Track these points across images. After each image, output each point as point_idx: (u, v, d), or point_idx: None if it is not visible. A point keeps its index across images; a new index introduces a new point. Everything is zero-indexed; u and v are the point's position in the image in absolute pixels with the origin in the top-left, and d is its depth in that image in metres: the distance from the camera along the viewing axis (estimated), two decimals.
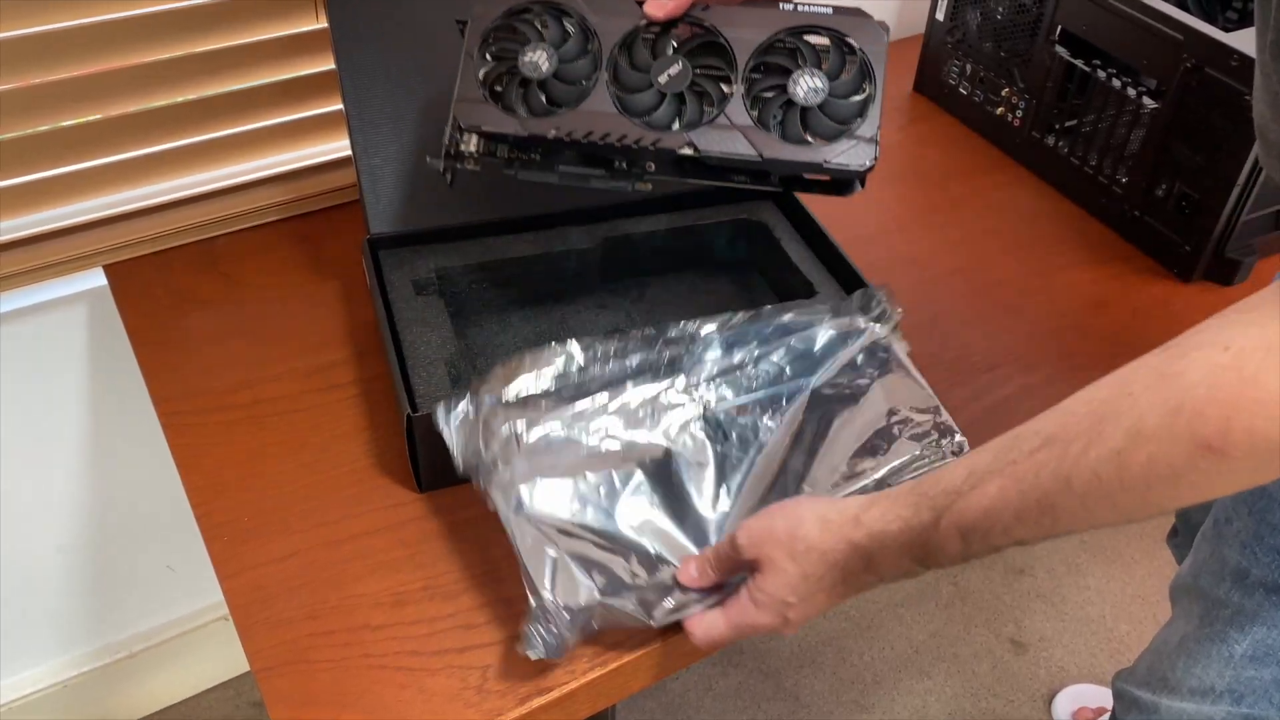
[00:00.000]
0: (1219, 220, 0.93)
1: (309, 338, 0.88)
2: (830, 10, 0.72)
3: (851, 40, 0.71)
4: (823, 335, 0.75)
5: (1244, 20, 1.15)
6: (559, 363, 0.72)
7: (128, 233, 0.94)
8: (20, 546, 1.11)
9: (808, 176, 0.74)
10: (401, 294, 0.83)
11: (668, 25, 0.71)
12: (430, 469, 0.74)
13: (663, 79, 0.70)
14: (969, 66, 1.16)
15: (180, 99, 0.92)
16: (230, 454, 0.78)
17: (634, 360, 0.72)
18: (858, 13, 0.72)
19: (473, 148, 0.73)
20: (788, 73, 0.70)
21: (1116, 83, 0.99)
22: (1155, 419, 0.48)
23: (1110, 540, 1.65)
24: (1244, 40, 0.88)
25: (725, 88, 0.71)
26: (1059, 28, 1.04)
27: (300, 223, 1.00)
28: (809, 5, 0.72)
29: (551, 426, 0.69)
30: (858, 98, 0.71)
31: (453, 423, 0.68)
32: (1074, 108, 1.05)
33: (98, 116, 0.90)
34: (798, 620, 0.61)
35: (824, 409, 0.72)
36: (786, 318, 0.76)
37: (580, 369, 0.72)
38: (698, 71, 0.71)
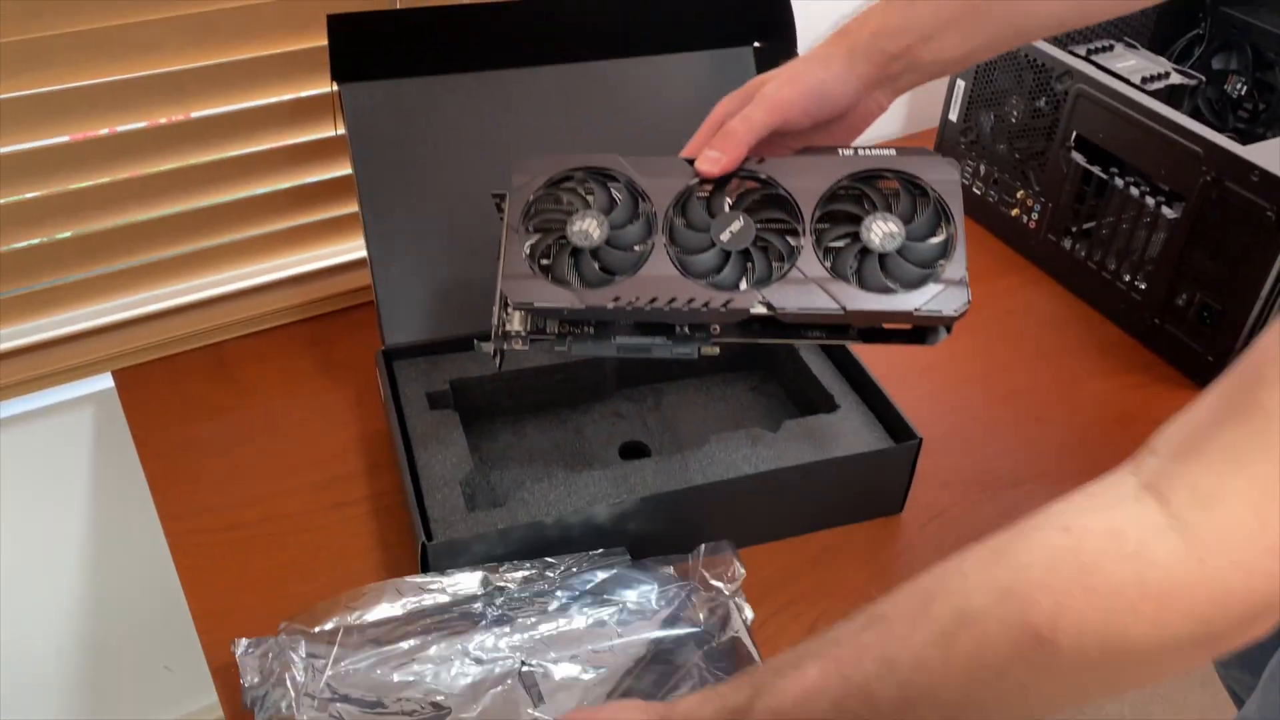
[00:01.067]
0: (1242, 332, 0.92)
1: (320, 449, 0.86)
2: (893, 152, 0.67)
3: (921, 181, 0.66)
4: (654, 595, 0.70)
5: (1254, 122, 1.16)
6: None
7: (136, 338, 0.93)
8: (20, 648, 1.08)
9: (889, 326, 0.68)
10: (415, 407, 0.82)
11: (722, 181, 0.67)
12: None
13: (725, 236, 0.65)
14: (983, 167, 1.16)
15: (191, 206, 0.91)
16: (238, 578, 0.76)
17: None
18: (922, 152, 0.67)
19: (517, 326, 0.69)
20: (857, 220, 0.65)
21: (1134, 191, 0.99)
22: (983, 599, 0.43)
23: None
24: (1264, 154, 0.88)
25: (792, 240, 0.66)
26: (1074, 133, 1.04)
27: (311, 326, 0.99)
28: (870, 149, 0.68)
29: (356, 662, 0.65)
30: (937, 239, 0.65)
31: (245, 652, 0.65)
32: (1091, 210, 1.05)
33: (110, 224, 0.89)
34: None
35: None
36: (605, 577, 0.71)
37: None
38: (760, 226, 0.66)
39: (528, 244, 0.68)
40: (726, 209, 0.67)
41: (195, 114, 0.87)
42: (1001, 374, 0.98)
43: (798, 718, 0.48)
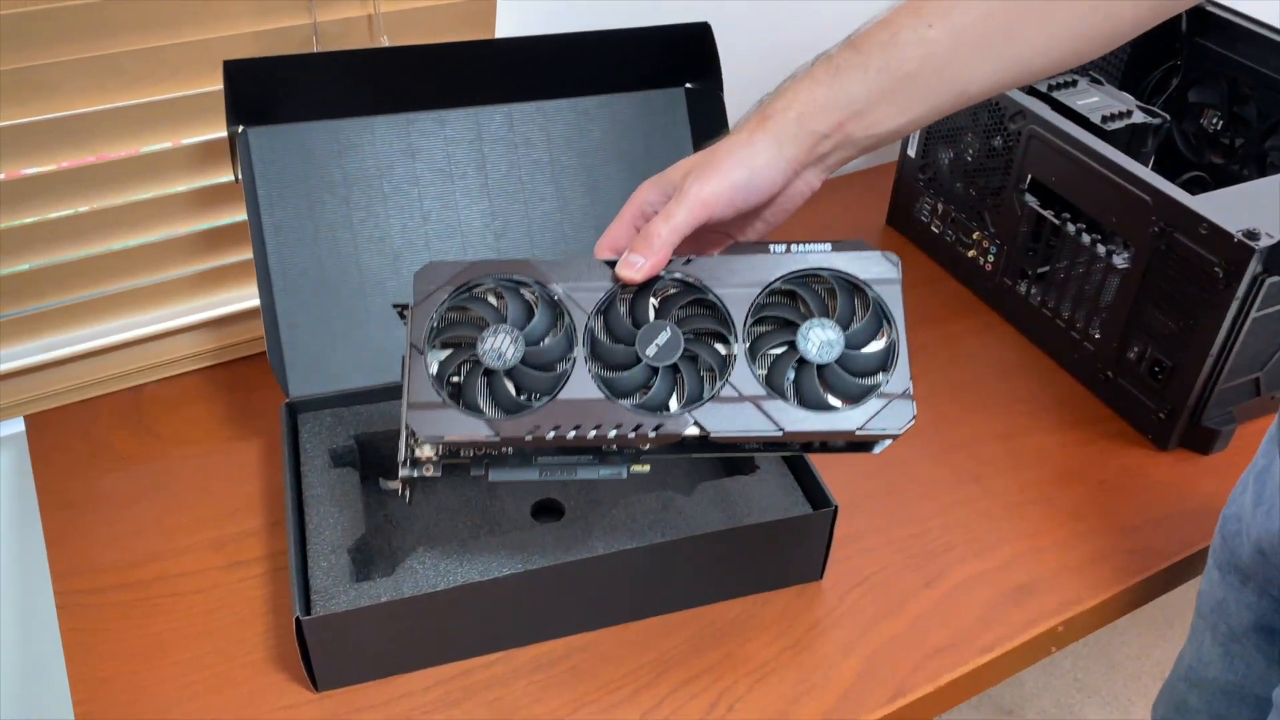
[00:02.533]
0: (1193, 389, 0.87)
1: (224, 503, 0.84)
2: (828, 247, 0.62)
3: (858, 281, 0.61)
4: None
5: (1230, 158, 1.11)
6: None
7: (51, 382, 0.91)
8: None
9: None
10: (316, 465, 0.79)
11: (646, 286, 0.61)
12: (327, 669, 0.69)
13: (651, 351, 0.60)
14: (940, 205, 1.12)
15: (105, 249, 0.89)
16: (121, 644, 0.74)
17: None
18: (859, 245, 0.62)
19: (428, 453, 0.62)
20: (792, 325, 0.61)
21: (1086, 238, 0.94)
22: None
23: (1105, 682, 1.57)
24: (1213, 206, 0.84)
25: (724, 350, 0.61)
26: (1029, 176, 0.99)
27: (229, 369, 0.96)
28: (804, 245, 0.62)
29: None
30: (878, 345, 0.61)
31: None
32: (1046, 254, 1.01)
33: (20, 268, 0.87)
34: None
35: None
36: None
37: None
38: (689, 336, 0.60)
39: (435, 363, 0.61)
40: (651, 316, 0.61)
41: (103, 157, 0.85)
42: (945, 427, 0.94)
43: None
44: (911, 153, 1.14)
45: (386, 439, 0.83)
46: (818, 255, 0.62)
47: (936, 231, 1.13)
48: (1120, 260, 0.92)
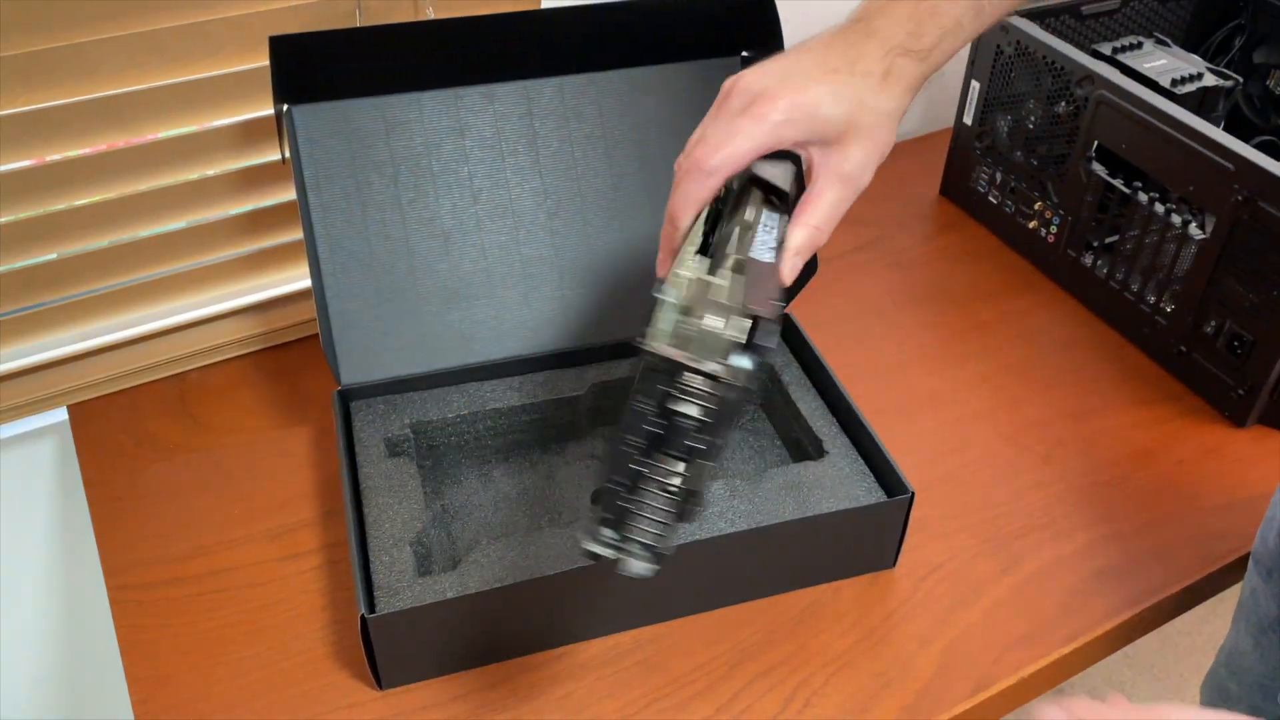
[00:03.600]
0: (1275, 366, 0.84)
1: (275, 493, 0.82)
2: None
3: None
4: None
5: (1273, 135, 1.07)
6: None
7: (93, 371, 0.89)
8: None
9: None
10: (371, 455, 0.77)
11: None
12: (391, 667, 0.67)
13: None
14: (999, 175, 1.08)
15: (146, 233, 0.86)
16: (178, 640, 0.72)
17: None
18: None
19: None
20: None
21: (1160, 208, 0.91)
22: None
23: (1156, 658, 1.55)
24: None
25: None
26: (1095, 143, 0.95)
27: (275, 355, 0.94)
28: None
29: None
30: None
31: None
32: (1115, 223, 0.97)
33: (61, 254, 0.84)
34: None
35: None
36: None
37: None
38: None
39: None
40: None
41: (144, 138, 0.82)
42: (1010, 407, 0.91)
43: None
44: (968, 120, 1.10)
45: (442, 427, 0.80)
46: None
47: (995, 202, 1.09)
48: (1196, 230, 0.88)
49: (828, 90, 0.54)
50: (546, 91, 0.84)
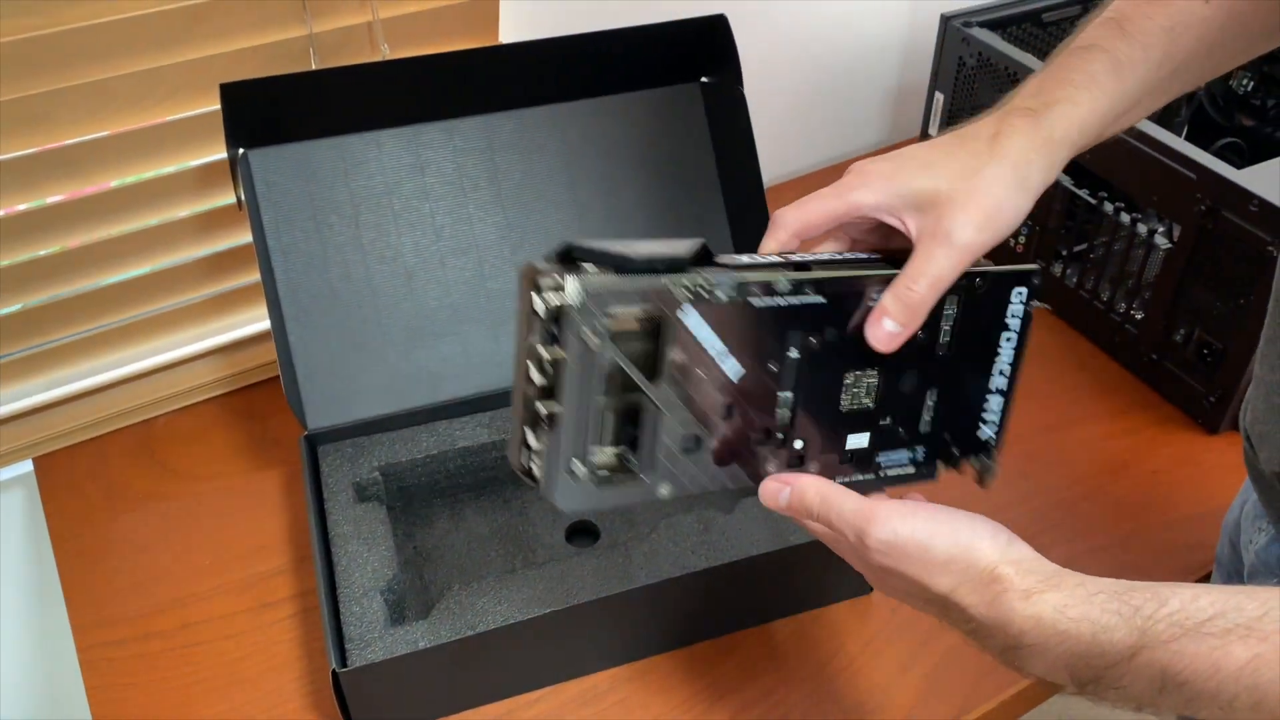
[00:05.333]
0: (1245, 371, 0.84)
1: (247, 541, 0.81)
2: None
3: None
4: None
5: (1262, 119, 1.07)
6: None
7: (58, 421, 0.87)
8: None
9: None
10: (340, 501, 0.76)
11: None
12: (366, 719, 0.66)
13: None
14: None
15: (106, 281, 0.85)
16: (150, 698, 0.71)
17: None
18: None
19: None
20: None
21: (1126, 217, 0.91)
22: None
23: None
24: (1263, 181, 0.80)
25: None
26: None
27: (244, 397, 0.93)
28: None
29: None
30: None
31: None
32: (1083, 231, 0.97)
33: (20, 306, 0.83)
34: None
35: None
36: None
37: None
38: None
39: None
40: None
41: (101, 186, 0.81)
42: None
43: (1198, 690, 0.42)
44: (933, 131, 1.10)
45: (411, 468, 0.79)
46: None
47: None
48: (1162, 239, 0.88)
49: (921, 161, 0.51)
50: (507, 125, 0.83)
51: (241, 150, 0.77)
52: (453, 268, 0.83)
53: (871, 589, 0.76)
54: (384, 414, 0.80)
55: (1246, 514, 0.68)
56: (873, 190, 0.51)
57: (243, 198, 0.77)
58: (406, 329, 0.81)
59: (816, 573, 0.73)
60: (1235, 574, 0.70)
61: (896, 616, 0.75)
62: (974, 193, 0.49)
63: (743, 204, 0.87)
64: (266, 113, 0.76)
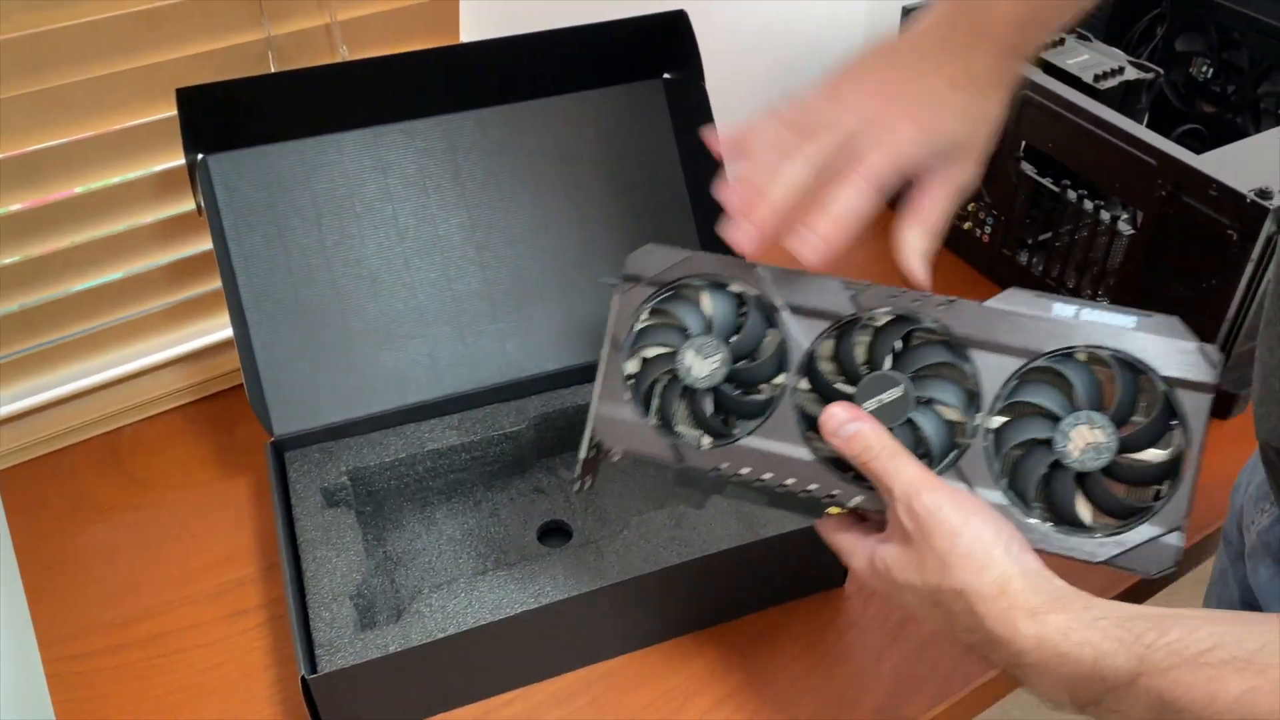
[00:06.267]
0: None
1: (216, 550, 0.80)
2: (1132, 321, 0.51)
3: (1155, 372, 0.50)
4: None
5: (1222, 106, 1.08)
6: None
7: (23, 434, 0.86)
8: None
9: None
10: (308, 507, 0.75)
11: (888, 324, 0.55)
12: None
13: (871, 405, 0.52)
14: None
15: (68, 290, 0.84)
16: (120, 711, 0.70)
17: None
18: (1172, 326, 0.51)
19: (616, 456, 0.59)
20: (1050, 416, 0.51)
21: (1089, 205, 0.91)
22: None
23: None
24: (1222, 165, 0.80)
25: (957, 420, 0.52)
26: (1023, 143, 0.96)
27: (211, 405, 0.92)
28: (1097, 309, 0.51)
29: None
30: (1159, 455, 0.50)
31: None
32: (1047, 219, 0.98)
33: None
34: (896, 606, 0.55)
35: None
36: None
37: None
38: (922, 399, 0.53)
39: (632, 366, 0.57)
40: (888, 363, 0.53)
41: (59, 195, 0.80)
42: None
43: (1195, 716, 0.42)
44: None
45: (380, 472, 0.79)
46: (1115, 331, 0.51)
47: None
48: (1125, 225, 0.88)
49: (958, 113, 0.54)
50: (468, 124, 0.83)
51: (200, 156, 0.76)
52: (417, 269, 0.82)
53: (844, 582, 0.76)
54: (351, 418, 0.79)
55: (1250, 495, 0.68)
56: (916, 144, 0.53)
57: (202, 204, 0.76)
58: (372, 332, 0.81)
59: (789, 565, 0.74)
60: (1241, 556, 0.71)
61: (869, 609, 0.75)
62: (984, 142, 0.54)
63: (708, 200, 0.87)
64: (224, 117, 0.75)
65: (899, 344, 0.54)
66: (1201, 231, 0.82)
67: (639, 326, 0.57)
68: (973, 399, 0.52)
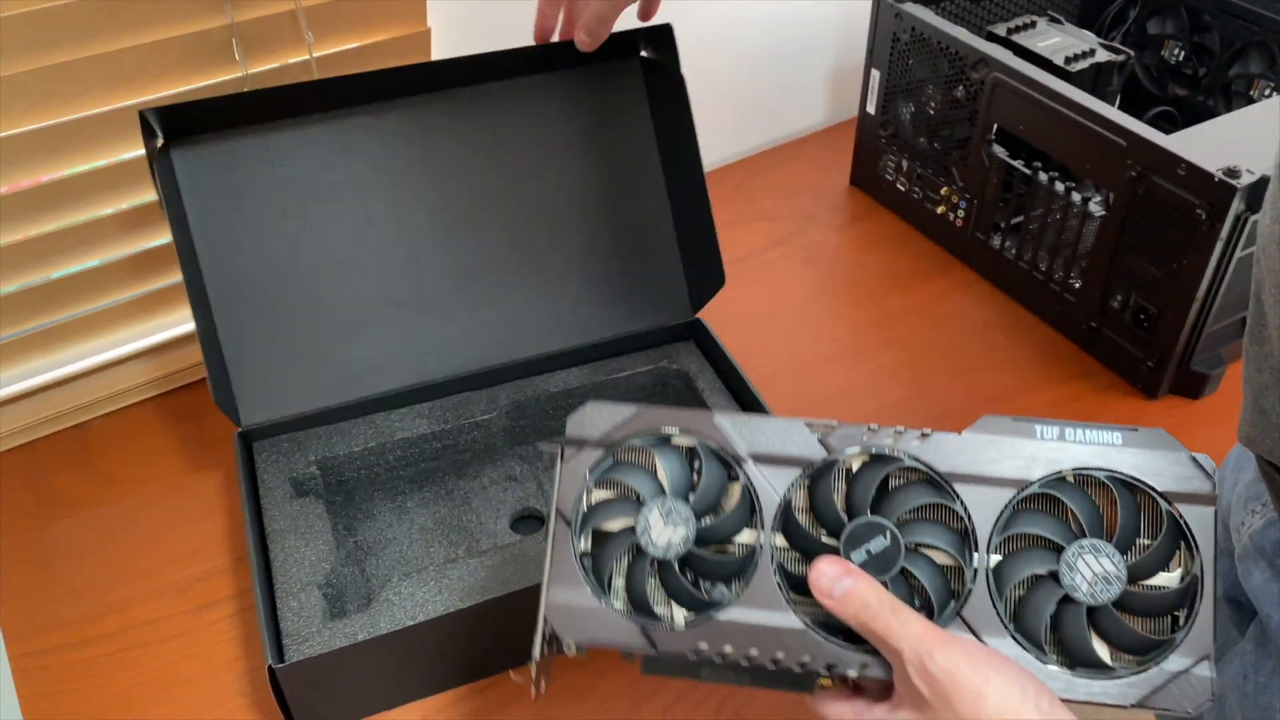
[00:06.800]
0: (1181, 335, 0.85)
1: (184, 543, 0.79)
2: (1117, 436, 0.48)
3: (1154, 490, 0.48)
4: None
5: (1194, 89, 1.08)
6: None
7: None
8: None
9: None
10: (276, 497, 0.74)
11: (864, 466, 0.50)
12: (306, 714, 0.65)
13: (858, 556, 0.48)
14: (905, 162, 1.08)
15: (33, 282, 0.83)
16: (88, 705, 0.69)
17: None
18: (1160, 438, 0.49)
19: (574, 651, 0.51)
20: (1051, 547, 0.48)
21: (1060, 186, 0.91)
22: None
23: None
24: (1191, 146, 0.80)
25: (954, 580, 0.48)
26: (995, 125, 0.96)
27: (179, 397, 0.91)
28: (1080, 429, 0.49)
29: None
30: (1170, 579, 0.47)
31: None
32: (1019, 203, 0.98)
33: None
34: None
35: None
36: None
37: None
38: (911, 546, 0.48)
39: (586, 542, 0.51)
40: (868, 513, 0.49)
41: (18, 185, 0.79)
42: (928, 395, 0.91)
43: None
44: (871, 109, 1.10)
45: (349, 461, 0.78)
46: (1103, 449, 0.48)
47: (902, 189, 1.09)
48: (1096, 207, 0.88)
49: None
50: (436, 106, 0.82)
51: (163, 144, 0.75)
52: (386, 256, 0.81)
53: None
54: (320, 408, 0.79)
55: (1238, 496, 0.67)
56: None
57: (161, 195, 0.75)
58: (340, 320, 0.80)
59: None
60: (1227, 553, 0.70)
61: None
62: None
63: (684, 183, 0.86)
64: (187, 110, 0.74)
65: (872, 489, 0.50)
66: (1171, 211, 0.82)
67: (591, 500, 0.52)
68: (965, 539, 0.48)
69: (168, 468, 0.85)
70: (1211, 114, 1.04)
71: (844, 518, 0.49)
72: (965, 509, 0.48)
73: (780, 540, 0.50)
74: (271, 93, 0.76)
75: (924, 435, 0.50)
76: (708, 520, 0.50)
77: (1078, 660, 0.47)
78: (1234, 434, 0.81)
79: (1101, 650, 0.47)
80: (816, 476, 0.50)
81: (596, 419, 0.52)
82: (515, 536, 0.78)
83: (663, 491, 0.50)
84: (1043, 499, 0.49)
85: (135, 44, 0.77)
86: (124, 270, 0.87)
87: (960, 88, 0.98)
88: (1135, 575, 0.47)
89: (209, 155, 0.76)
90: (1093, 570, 0.47)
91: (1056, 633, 0.48)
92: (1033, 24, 1.03)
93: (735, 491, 0.51)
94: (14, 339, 0.84)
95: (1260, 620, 0.60)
